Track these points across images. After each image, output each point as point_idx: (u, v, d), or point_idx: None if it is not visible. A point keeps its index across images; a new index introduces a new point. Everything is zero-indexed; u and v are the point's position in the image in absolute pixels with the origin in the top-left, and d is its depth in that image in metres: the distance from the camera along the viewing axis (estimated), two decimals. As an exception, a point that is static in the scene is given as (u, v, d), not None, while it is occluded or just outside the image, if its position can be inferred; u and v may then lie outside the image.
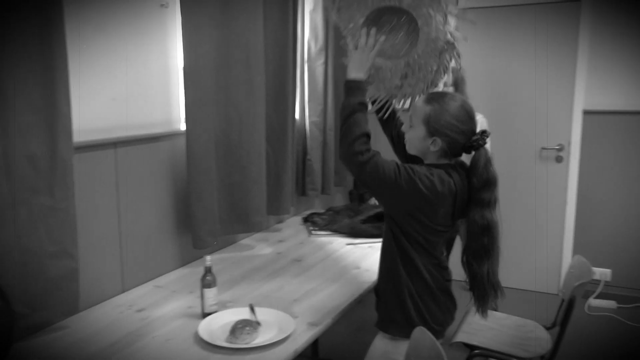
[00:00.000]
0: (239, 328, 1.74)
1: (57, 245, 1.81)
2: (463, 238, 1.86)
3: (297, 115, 3.40)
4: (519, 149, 4.30)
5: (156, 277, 2.38)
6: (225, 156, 2.64)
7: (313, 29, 3.45)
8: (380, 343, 1.92)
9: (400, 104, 2.11)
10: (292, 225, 3.32)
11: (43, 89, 1.71)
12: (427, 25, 1.89)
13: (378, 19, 2.01)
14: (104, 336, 1.81)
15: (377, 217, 3.09)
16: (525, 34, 4.16)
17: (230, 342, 1.72)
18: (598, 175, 4.13)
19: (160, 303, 2.09)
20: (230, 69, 2.57)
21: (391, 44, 1.99)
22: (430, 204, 1.74)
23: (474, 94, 3.16)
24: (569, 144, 4.15)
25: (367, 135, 1.78)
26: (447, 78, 3.15)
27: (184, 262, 2.55)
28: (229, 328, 1.77)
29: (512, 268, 4.31)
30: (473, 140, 1.79)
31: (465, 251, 1.82)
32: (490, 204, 1.78)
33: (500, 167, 1.99)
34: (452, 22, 1.89)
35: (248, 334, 1.73)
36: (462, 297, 2.08)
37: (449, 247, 2.77)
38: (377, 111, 2.13)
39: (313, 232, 3.10)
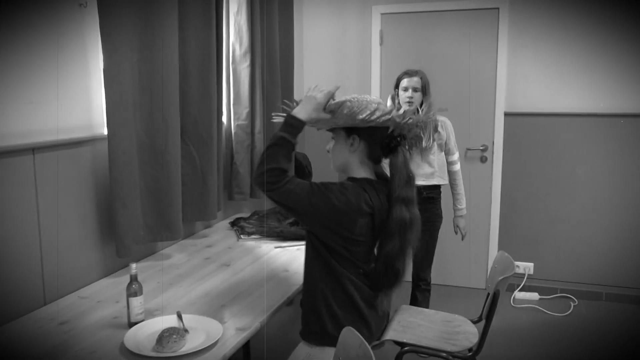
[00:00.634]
0: (166, 336, 1.70)
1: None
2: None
3: (224, 119, 3.36)
4: (445, 149, 4.43)
5: (80, 287, 2.29)
6: (151, 161, 2.57)
7: (237, 31, 3.40)
8: (302, 350, 1.93)
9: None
10: (220, 230, 3.28)
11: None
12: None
13: None
14: (23, 352, 1.72)
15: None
16: (448, 39, 4.30)
17: (157, 352, 1.68)
18: (519, 173, 4.32)
19: (85, 314, 2.01)
20: (153, 70, 2.51)
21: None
22: (346, 216, 1.79)
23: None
24: (493, 144, 4.32)
25: (281, 169, 1.79)
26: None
27: (109, 271, 2.46)
28: (155, 337, 1.73)
29: (442, 265, 4.43)
30: (391, 140, 1.85)
31: (385, 247, 1.86)
32: (413, 200, 1.85)
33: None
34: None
35: (175, 342, 1.69)
36: (399, 296, 2.13)
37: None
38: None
39: (242, 236, 3.07)
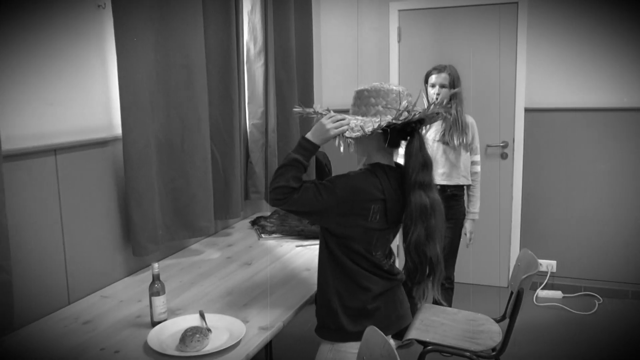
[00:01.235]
0: (189, 335, 1.70)
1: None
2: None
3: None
4: (465, 146, 4.39)
5: (103, 287, 2.30)
6: (169, 161, 2.58)
7: (251, 30, 3.40)
8: (325, 347, 1.92)
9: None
10: (241, 229, 3.28)
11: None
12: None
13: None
14: (48, 351, 1.73)
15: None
16: (466, 35, 4.26)
17: (181, 351, 1.68)
18: (540, 170, 4.27)
19: (108, 314, 2.02)
20: (170, 72, 2.52)
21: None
22: (356, 203, 1.79)
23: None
24: (513, 140, 4.27)
25: (290, 188, 1.82)
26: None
27: (132, 270, 2.48)
28: (179, 336, 1.73)
29: (463, 263, 4.39)
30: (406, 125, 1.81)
31: (411, 236, 1.83)
32: (431, 185, 1.83)
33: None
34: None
35: (198, 341, 1.69)
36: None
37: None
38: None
39: (262, 235, 3.07)
